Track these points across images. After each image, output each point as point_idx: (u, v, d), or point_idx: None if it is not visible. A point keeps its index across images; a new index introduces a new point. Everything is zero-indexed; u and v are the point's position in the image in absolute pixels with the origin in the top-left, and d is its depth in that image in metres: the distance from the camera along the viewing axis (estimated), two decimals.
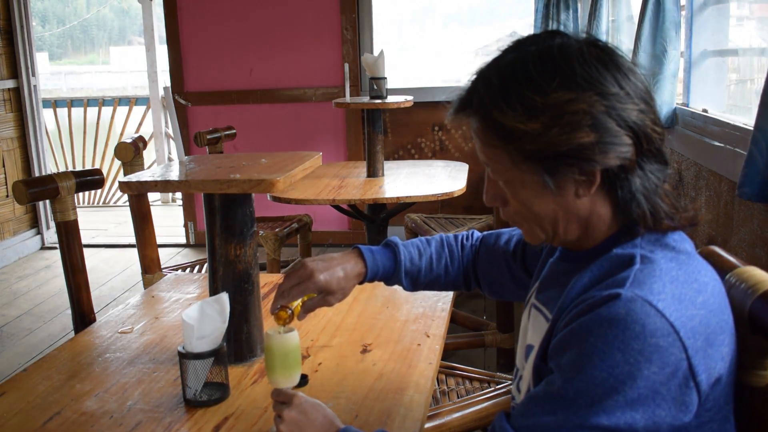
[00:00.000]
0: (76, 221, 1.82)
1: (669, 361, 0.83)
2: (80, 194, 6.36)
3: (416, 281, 1.31)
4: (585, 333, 0.86)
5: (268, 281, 1.94)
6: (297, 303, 1.20)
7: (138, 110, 6.56)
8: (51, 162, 5.69)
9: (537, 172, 0.92)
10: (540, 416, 0.88)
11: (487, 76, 0.94)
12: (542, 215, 0.96)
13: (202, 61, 4.87)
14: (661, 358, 0.82)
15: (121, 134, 6.47)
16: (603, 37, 3.11)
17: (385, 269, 1.27)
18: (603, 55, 0.91)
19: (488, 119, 0.92)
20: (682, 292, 0.87)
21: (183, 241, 5.20)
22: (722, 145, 1.71)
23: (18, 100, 5.00)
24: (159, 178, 1.42)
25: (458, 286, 1.35)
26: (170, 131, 6.28)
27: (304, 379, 1.33)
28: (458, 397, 1.81)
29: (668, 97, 2.11)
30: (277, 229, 3.43)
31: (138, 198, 2.58)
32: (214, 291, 1.45)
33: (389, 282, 1.30)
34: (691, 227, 0.95)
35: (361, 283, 1.26)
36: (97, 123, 6.52)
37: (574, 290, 0.94)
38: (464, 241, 1.34)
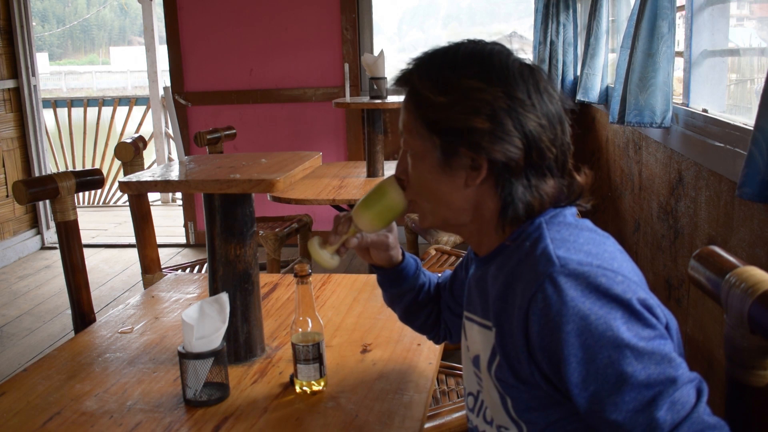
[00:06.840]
0: (76, 221, 1.82)
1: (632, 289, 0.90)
2: (80, 194, 6.37)
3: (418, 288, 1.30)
4: (568, 330, 0.86)
5: (268, 281, 1.94)
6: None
7: (138, 110, 6.56)
8: (51, 162, 5.69)
9: (435, 146, 0.99)
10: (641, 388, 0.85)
11: (425, 55, 1.05)
12: (433, 192, 1.02)
13: (202, 61, 4.87)
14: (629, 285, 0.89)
15: (121, 134, 6.47)
16: (603, 37, 3.12)
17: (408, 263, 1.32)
18: (526, 71, 0.98)
19: (410, 87, 1.04)
20: (601, 257, 0.92)
21: (183, 241, 5.20)
22: (722, 145, 1.71)
23: (18, 100, 5.00)
24: (159, 178, 1.43)
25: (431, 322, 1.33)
26: (170, 131, 6.28)
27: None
28: (458, 397, 1.81)
29: (664, 97, 2.11)
30: (277, 229, 3.43)
31: (138, 198, 2.58)
32: (214, 291, 1.45)
33: (401, 276, 1.30)
34: (579, 200, 1.02)
35: (393, 266, 1.30)
36: (97, 123, 6.53)
37: (497, 287, 0.97)
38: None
